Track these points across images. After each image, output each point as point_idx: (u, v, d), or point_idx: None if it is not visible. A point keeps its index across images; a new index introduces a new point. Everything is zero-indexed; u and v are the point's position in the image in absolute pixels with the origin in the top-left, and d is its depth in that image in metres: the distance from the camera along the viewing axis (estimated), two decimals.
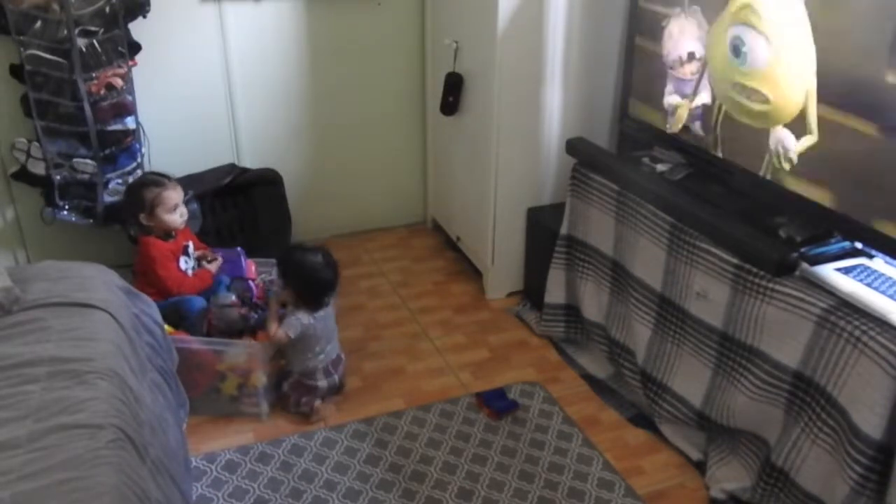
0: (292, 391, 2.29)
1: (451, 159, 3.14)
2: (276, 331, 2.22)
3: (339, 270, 2.31)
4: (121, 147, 2.68)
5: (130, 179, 2.65)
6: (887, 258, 1.75)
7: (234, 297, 2.37)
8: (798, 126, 1.80)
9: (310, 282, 2.25)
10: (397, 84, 3.28)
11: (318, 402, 2.27)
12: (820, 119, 1.74)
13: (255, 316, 2.36)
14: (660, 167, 2.29)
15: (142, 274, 2.40)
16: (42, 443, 1.32)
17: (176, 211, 2.39)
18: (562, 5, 2.51)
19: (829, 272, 1.73)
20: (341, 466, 2.09)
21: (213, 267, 2.48)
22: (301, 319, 2.22)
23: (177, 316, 2.28)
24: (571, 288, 2.60)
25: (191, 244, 2.50)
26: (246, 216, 2.97)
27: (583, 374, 2.51)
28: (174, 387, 2.00)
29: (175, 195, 2.39)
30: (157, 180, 2.40)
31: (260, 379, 2.24)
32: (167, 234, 2.41)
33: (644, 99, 2.36)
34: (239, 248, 2.59)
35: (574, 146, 2.54)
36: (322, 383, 2.29)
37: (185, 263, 2.43)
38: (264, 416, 2.29)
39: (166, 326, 2.13)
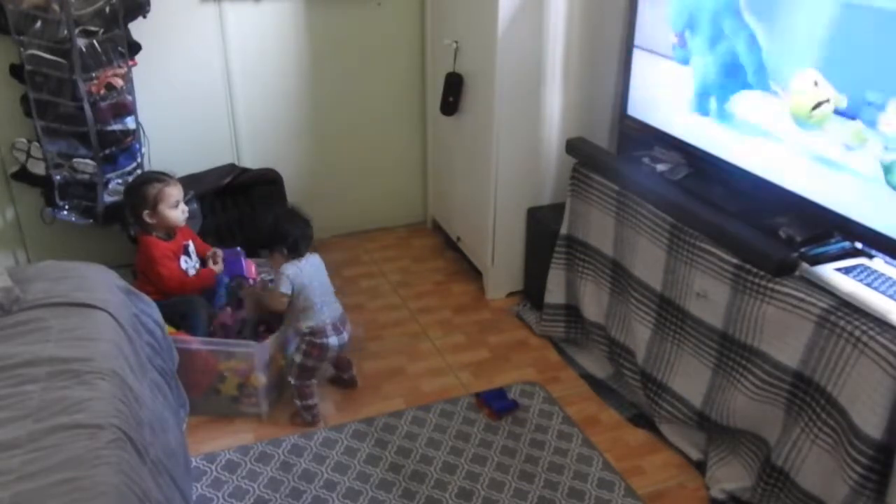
0: (304, 356, 2.23)
1: (451, 159, 3.14)
2: (270, 296, 2.21)
3: (306, 218, 2.27)
4: (121, 147, 2.68)
5: (130, 179, 2.65)
6: (887, 258, 1.74)
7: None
8: None
9: (277, 235, 2.21)
10: (397, 84, 3.28)
11: (318, 405, 2.28)
12: None
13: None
14: (660, 167, 2.29)
15: (142, 273, 2.40)
16: (42, 443, 1.32)
17: (178, 207, 2.39)
18: (562, 6, 2.51)
19: (829, 272, 1.73)
20: (341, 466, 2.09)
21: (216, 268, 2.47)
22: (286, 272, 2.18)
23: (177, 316, 2.28)
24: (571, 288, 2.60)
25: (191, 244, 2.50)
26: (246, 216, 2.97)
27: (583, 374, 2.51)
28: (174, 387, 2.00)
29: (176, 192, 2.39)
30: (158, 177, 2.41)
31: (260, 379, 2.24)
32: (168, 233, 2.42)
33: None
34: (239, 248, 2.60)
35: (574, 146, 2.54)
36: (332, 340, 2.23)
37: (186, 263, 2.44)
38: (264, 416, 2.28)
39: (167, 326, 2.13)
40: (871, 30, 1.60)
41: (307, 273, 2.21)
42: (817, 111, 1.75)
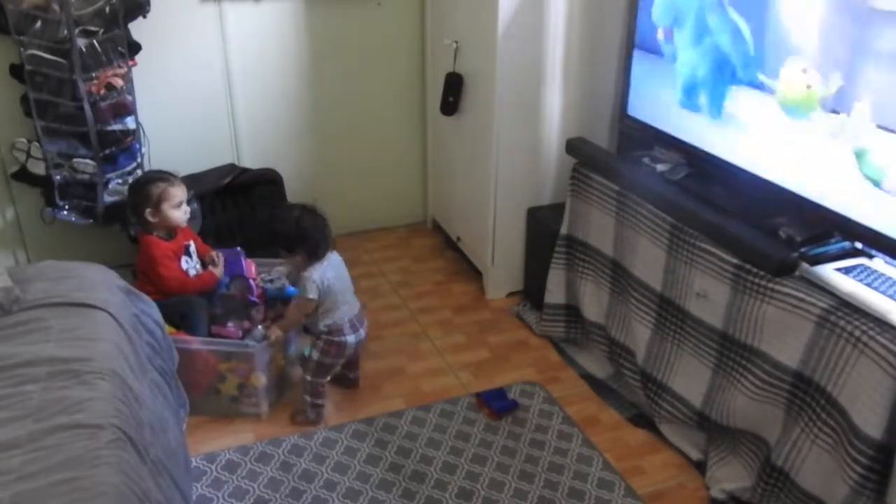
0: (322, 353, 2.23)
1: (451, 159, 3.14)
2: (295, 305, 2.20)
3: (324, 216, 2.25)
4: (121, 147, 2.68)
5: (130, 179, 2.65)
6: (887, 258, 1.75)
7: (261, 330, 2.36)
8: None
9: (298, 237, 2.18)
10: (397, 84, 3.28)
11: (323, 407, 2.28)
12: None
13: (255, 300, 2.35)
14: (660, 167, 2.29)
15: (142, 273, 2.40)
16: (42, 443, 1.32)
17: (181, 207, 2.40)
18: (562, 6, 2.51)
19: (829, 272, 1.73)
20: (341, 466, 2.09)
21: (217, 271, 2.48)
22: (313, 277, 2.17)
23: (177, 316, 2.28)
24: (571, 288, 2.60)
25: (192, 244, 2.50)
26: (246, 216, 2.97)
27: (583, 374, 2.51)
28: (174, 387, 2.00)
29: (180, 192, 2.40)
30: (162, 176, 2.42)
31: (260, 379, 2.24)
32: (169, 233, 2.42)
33: None
34: (239, 248, 2.60)
35: (574, 146, 2.54)
36: (350, 338, 2.24)
37: (186, 263, 2.43)
38: (264, 416, 2.28)
39: (167, 326, 2.13)
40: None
41: (330, 274, 2.20)
42: (809, 92, 1.75)
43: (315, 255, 2.19)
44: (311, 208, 2.24)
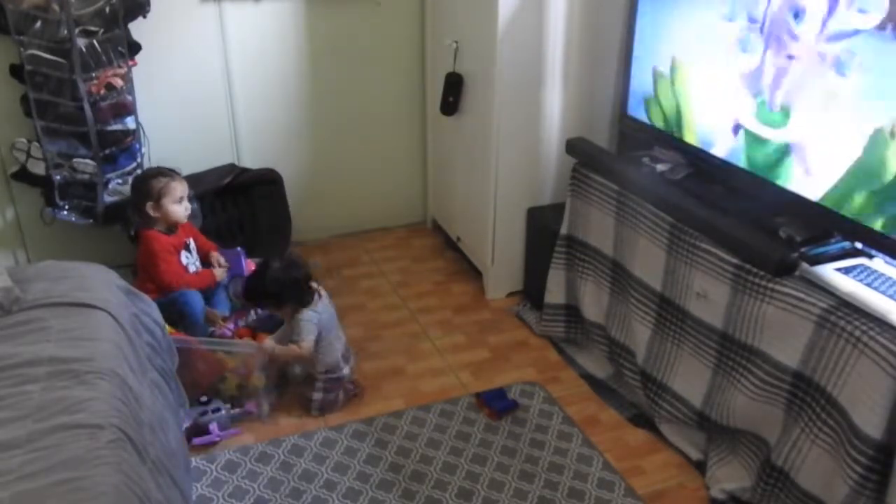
0: (325, 392, 2.29)
1: (451, 159, 3.14)
2: (300, 347, 2.23)
3: (300, 257, 2.32)
4: (121, 147, 2.68)
5: (130, 179, 2.66)
6: (887, 258, 1.75)
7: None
8: None
9: (288, 286, 2.23)
10: (397, 84, 3.28)
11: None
12: None
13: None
14: (660, 167, 2.29)
15: (142, 268, 2.41)
16: (42, 443, 1.32)
17: (181, 203, 2.42)
18: (562, 6, 2.51)
19: (829, 272, 1.73)
20: (341, 466, 2.09)
21: (219, 273, 2.49)
22: (311, 320, 2.23)
23: (176, 314, 2.28)
24: (571, 288, 2.60)
25: (192, 241, 2.51)
26: (246, 216, 2.97)
27: (583, 374, 2.51)
28: (174, 387, 2.00)
29: (181, 187, 2.43)
30: (164, 171, 2.46)
31: (260, 379, 2.24)
32: (170, 228, 2.43)
33: None
34: (239, 248, 2.60)
35: (574, 146, 2.54)
36: (346, 370, 2.33)
37: (187, 259, 2.44)
38: (264, 416, 2.29)
39: (167, 326, 2.13)
40: None
41: (324, 316, 2.27)
42: None
43: (302, 303, 2.25)
44: (289, 260, 2.30)
